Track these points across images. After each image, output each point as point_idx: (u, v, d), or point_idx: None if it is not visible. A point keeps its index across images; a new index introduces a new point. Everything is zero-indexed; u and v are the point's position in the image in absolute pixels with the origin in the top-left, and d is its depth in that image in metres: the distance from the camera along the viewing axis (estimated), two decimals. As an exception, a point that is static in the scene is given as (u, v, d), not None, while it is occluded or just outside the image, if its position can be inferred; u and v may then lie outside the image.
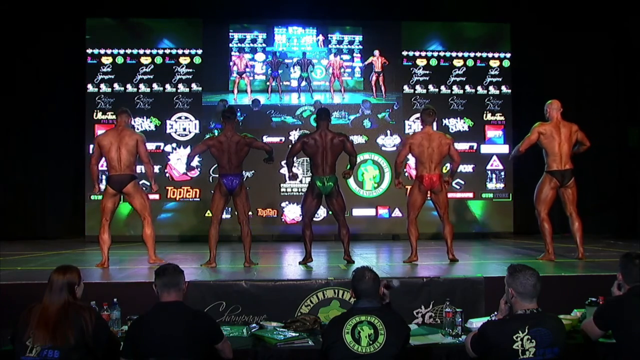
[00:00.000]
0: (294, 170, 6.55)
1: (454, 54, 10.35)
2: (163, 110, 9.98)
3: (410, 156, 6.54)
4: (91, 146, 9.67)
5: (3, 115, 9.79)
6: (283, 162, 9.92)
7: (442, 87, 10.30)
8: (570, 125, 6.43)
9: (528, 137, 6.45)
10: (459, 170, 10.00)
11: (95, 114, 9.83)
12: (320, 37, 10.27)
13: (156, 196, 8.93)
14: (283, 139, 10.04)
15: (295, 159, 6.57)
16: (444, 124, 10.02)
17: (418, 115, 9.97)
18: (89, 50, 9.90)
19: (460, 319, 4.09)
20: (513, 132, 10.18)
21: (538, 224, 6.54)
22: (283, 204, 10.04)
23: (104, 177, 6.81)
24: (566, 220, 6.63)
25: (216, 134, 9.83)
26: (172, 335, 3.21)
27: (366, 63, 10.26)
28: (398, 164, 6.50)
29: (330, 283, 4.86)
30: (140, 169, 6.68)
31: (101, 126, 9.76)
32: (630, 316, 3.37)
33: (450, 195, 6.76)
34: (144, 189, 6.83)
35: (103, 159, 6.39)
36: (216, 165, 9.40)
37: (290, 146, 6.56)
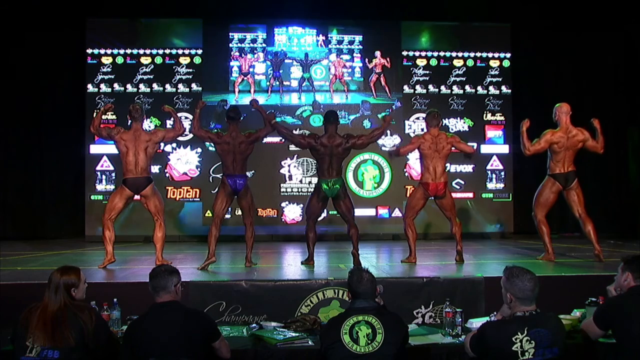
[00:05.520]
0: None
1: (454, 54, 10.35)
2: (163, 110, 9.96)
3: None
4: (92, 146, 9.73)
5: (3, 115, 9.79)
6: (283, 162, 10.01)
7: (442, 87, 10.30)
8: (578, 132, 6.37)
9: (538, 142, 6.37)
10: (459, 171, 10.13)
11: (95, 114, 9.79)
12: (321, 37, 10.26)
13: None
14: (283, 139, 10.01)
15: (291, 132, 6.52)
16: (444, 124, 10.00)
17: (418, 115, 10.09)
18: (89, 50, 9.90)
19: (460, 319, 4.09)
20: (513, 132, 10.18)
21: (535, 225, 6.54)
22: (283, 204, 10.03)
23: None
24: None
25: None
26: (169, 335, 3.21)
27: (370, 66, 10.23)
28: (401, 153, 6.54)
29: (330, 283, 4.86)
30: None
31: (101, 126, 9.73)
32: (631, 316, 3.37)
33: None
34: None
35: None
36: (216, 165, 9.51)
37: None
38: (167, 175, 9.94)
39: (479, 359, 3.26)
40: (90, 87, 9.90)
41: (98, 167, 9.79)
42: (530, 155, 6.50)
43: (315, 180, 6.73)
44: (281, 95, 10.20)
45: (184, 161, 9.99)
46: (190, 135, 9.98)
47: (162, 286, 3.34)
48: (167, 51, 10.08)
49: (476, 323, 3.95)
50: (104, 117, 6.71)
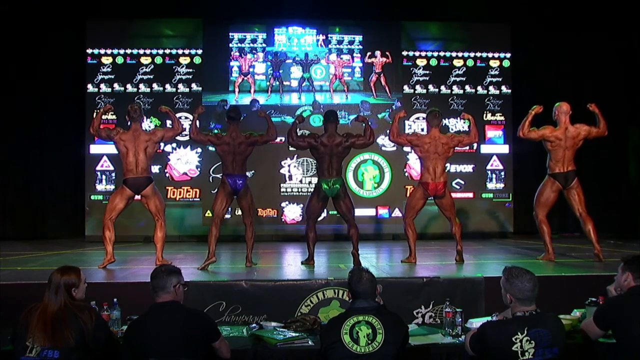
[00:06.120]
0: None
1: (454, 54, 10.35)
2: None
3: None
4: (92, 146, 9.72)
5: (3, 115, 9.79)
6: (283, 162, 10.01)
7: (442, 87, 10.30)
8: (577, 130, 6.36)
9: (535, 131, 6.39)
10: (459, 171, 10.13)
11: (95, 114, 9.80)
12: (321, 37, 10.26)
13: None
14: (283, 139, 9.98)
15: (296, 134, 6.37)
16: (444, 124, 9.99)
17: (418, 115, 10.09)
18: (89, 50, 9.89)
19: (460, 319, 4.10)
20: (513, 132, 10.17)
21: (536, 225, 6.53)
22: (283, 204, 10.03)
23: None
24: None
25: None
26: (169, 335, 3.21)
27: (367, 61, 10.24)
28: (396, 138, 6.44)
29: (330, 283, 4.86)
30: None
31: (101, 126, 9.74)
32: (631, 316, 3.37)
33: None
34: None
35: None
36: (216, 165, 9.50)
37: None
38: (167, 175, 9.93)
39: (479, 359, 3.26)
40: (90, 87, 9.89)
41: (98, 167, 9.78)
42: (522, 138, 6.53)
43: (315, 180, 6.73)
44: (281, 95, 10.20)
45: (184, 161, 9.99)
46: (190, 135, 10.01)
47: (161, 286, 3.34)
48: (167, 51, 10.07)
49: (476, 323, 3.95)
50: (104, 117, 6.71)
